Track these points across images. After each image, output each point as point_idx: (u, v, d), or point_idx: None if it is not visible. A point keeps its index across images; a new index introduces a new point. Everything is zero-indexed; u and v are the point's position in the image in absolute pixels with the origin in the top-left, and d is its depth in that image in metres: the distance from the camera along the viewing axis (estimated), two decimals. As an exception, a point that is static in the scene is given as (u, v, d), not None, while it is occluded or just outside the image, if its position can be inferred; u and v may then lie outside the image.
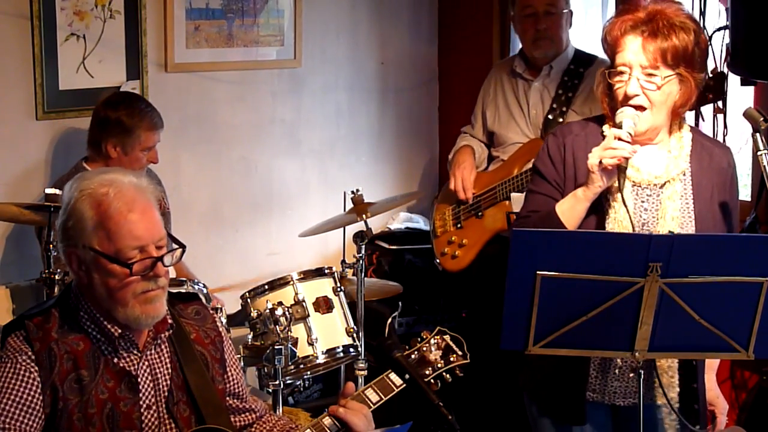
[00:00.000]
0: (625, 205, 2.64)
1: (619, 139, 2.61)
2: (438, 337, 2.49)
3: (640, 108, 2.66)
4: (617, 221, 2.70)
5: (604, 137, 2.74)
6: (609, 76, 2.71)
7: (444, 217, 4.42)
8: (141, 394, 2.31)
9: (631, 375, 2.70)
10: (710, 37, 3.78)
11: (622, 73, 2.67)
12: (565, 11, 4.19)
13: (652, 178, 2.73)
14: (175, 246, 2.34)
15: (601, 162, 2.62)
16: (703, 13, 3.82)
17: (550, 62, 4.18)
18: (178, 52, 4.60)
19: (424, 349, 2.47)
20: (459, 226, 4.34)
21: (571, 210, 2.69)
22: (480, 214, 4.25)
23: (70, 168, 4.07)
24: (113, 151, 3.92)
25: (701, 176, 2.75)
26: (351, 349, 3.77)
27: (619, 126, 2.64)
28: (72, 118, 4.32)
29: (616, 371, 2.76)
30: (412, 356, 2.46)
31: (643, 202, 2.73)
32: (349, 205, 3.99)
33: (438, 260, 4.43)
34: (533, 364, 2.85)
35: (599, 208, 2.72)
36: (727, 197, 2.79)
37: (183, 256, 2.38)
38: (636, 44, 2.64)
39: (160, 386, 2.34)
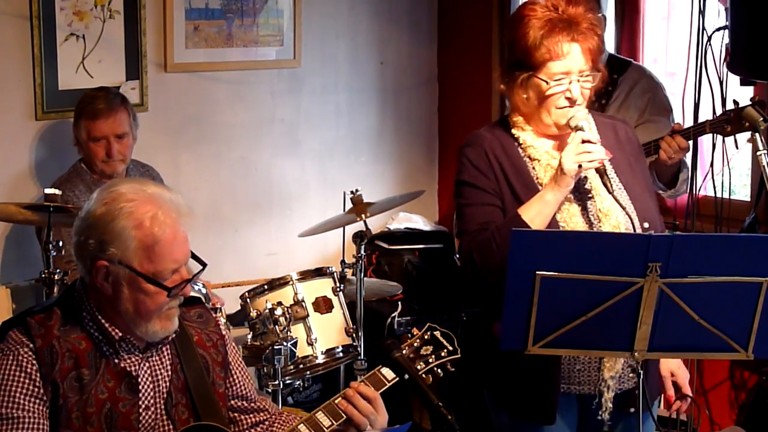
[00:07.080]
0: (617, 199, 2.69)
1: (589, 141, 2.65)
2: (428, 333, 2.51)
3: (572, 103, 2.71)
4: (603, 211, 2.73)
5: (515, 140, 2.78)
6: (539, 85, 2.70)
7: None
8: (141, 395, 2.30)
9: (631, 375, 2.70)
10: (710, 37, 3.78)
11: (560, 80, 2.69)
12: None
13: None
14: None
15: (580, 166, 2.63)
16: (702, 13, 3.81)
17: None
18: (178, 52, 4.60)
19: (416, 344, 2.49)
20: None
21: (540, 215, 2.66)
22: None
23: (69, 168, 4.08)
24: (80, 149, 3.94)
25: (612, 149, 2.77)
26: (350, 349, 3.77)
27: (578, 129, 2.68)
28: (71, 118, 4.31)
29: (580, 359, 2.72)
30: (404, 351, 2.47)
31: (577, 189, 2.74)
32: (349, 205, 3.99)
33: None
34: (501, 370, 2.79)
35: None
36: (642, 164, 2.89)
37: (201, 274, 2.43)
38: (574, 50, 2.67)
39: (160, 388, 2.34)
